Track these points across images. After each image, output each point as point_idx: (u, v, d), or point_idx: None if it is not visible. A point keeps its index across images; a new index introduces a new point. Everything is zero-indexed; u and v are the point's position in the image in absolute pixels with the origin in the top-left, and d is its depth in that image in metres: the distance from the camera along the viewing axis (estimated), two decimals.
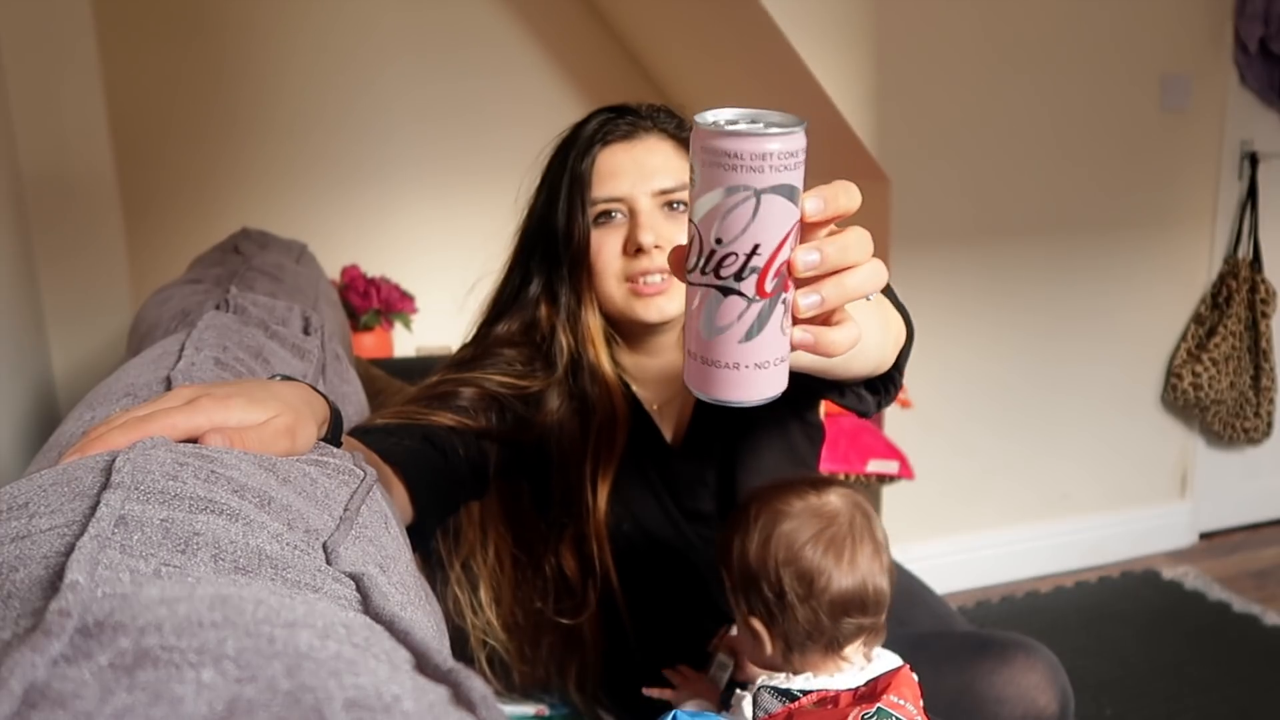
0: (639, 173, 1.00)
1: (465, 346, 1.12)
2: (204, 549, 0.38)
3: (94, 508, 0.39)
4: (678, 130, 1.04)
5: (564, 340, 1.04)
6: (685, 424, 1.11)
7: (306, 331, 1.00)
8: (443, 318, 2.68)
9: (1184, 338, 2.61)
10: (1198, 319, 2.61)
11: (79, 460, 0.47)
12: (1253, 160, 2.59)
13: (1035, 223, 2.40)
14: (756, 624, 0.91)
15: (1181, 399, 2.58)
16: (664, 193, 1.00)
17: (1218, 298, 2.60)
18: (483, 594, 1.13)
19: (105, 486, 0.41)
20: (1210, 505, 2.77)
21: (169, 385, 0.67)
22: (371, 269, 2.47)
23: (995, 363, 2.42)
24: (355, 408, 1.01)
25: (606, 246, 1.00)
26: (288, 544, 0.44)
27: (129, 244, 1.90)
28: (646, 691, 1.02)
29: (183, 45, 2.37)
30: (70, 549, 0.35)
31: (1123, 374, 2.56)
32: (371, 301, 2.38)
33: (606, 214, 1.00)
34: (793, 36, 2.04)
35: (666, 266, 0.90)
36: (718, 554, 0.95)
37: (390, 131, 2.56)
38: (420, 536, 0.94)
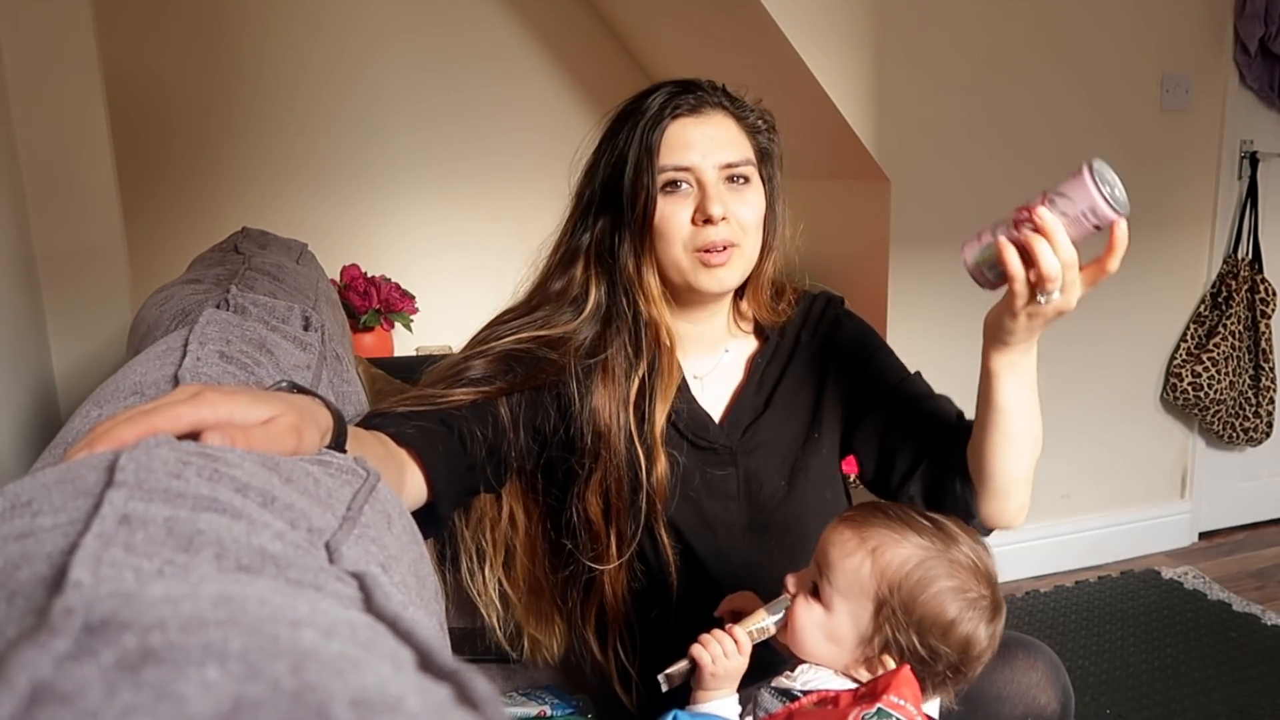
0: (706, 146, 1.04)
1: (497, 320, 1.13)
2: (207, 547, 0.38)
3: (97, 506, 0.39)
4: (738, 110, 1.08)
5: (624, 300, 1.07)
6: (732, 401, 1.14)
7: (306, 329, 0.99)
8: (443, 318, 2.68)
9: (1184, 338, 2.61)
10: (1197, 319, 2.61)
11: (82, 458, 0.47)
12: (1253, 160, 2.59)
13: None
14: (888, 661, 0.87)
15: (1181, 399, 2.58)
16: (728, 166, 1.04)
17: (1217, 298, 2.60)
18: (491, 557, 1.14)
19: (109, 485, 0.41)
20: (1210, 505, 2.78)
21: (176, 382, 0.67)
22: (371, 269, 2.47)
23: None
24: (355, 408, 1.01)
25: (675, 215, 1.03)
26: (290, 543, 0.44)
27: (129, 244, 1.90)
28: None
29: (183, 45, 2.38)
30: (74, 547, 0.35)
31: (1122, 374, 2.56)
32: (371, 301, 2.38)
33: (674, 183, 1.04)
34: (793, 36, 2.05)
35: (731, 238, 1.03)
36: (853, 562, 0.88)
37: (391, 131, 2.56)
38: (435, 522, 0.95)
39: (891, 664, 0.87)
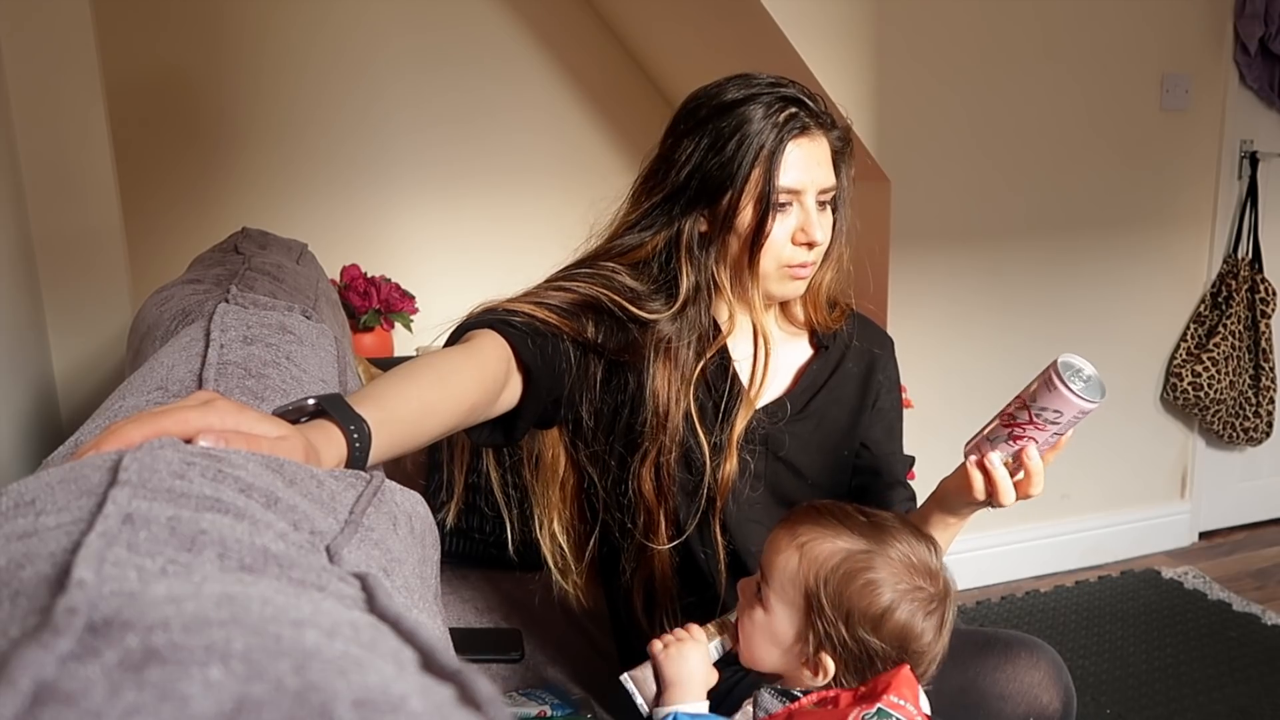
0: (816, 171, 1.08)
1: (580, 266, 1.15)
2: (210, 547, 0.38)
3: (101, 505, 0.39)
4: (830, 129, 1.11)
5: (706, 297, 1.11)
6: (776, 400, 1.17)
7: None
8: (443, 318, 2.66)
9: (1184, 337, 2.61)
10: (1197, 319, 2.61)
11: (86, 459, 0.47)
12: (1253, 160, 2.59)
13: (1035, 223, 2.40)
14: (826, 659, 0.88)
15: (1181, 399, 2.58)
16: (824, 191, 1.09)
17: (1217, 297, 2.60)
18: (557, 522, 1.18)
19: (112, 484, 0.41)
20: (1210, 505, 2.78)
21: (201, 374, 0.68)
22: (371, 269, 2.47)
23: (995, 362, 2.42)
24: None
25: (777, 232, 1.08)
26: (293, 543, 0.44)
27: (129, 244, 1.90)
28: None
29: (183, 45, 2.37)
30: (77, 546, 0.35)
31: (1122, 374, 2.56)
32: (371, 301, 2.38)
33: (784, 204, 1.08)
34: (793, 36, 2.05)
35: (815, 258, 1.11)
36: (788, 566, 0.90)
37: (391, 132, 2.56)
38: (511, 432, 1.02)
39: (830, 663, 0.87)
